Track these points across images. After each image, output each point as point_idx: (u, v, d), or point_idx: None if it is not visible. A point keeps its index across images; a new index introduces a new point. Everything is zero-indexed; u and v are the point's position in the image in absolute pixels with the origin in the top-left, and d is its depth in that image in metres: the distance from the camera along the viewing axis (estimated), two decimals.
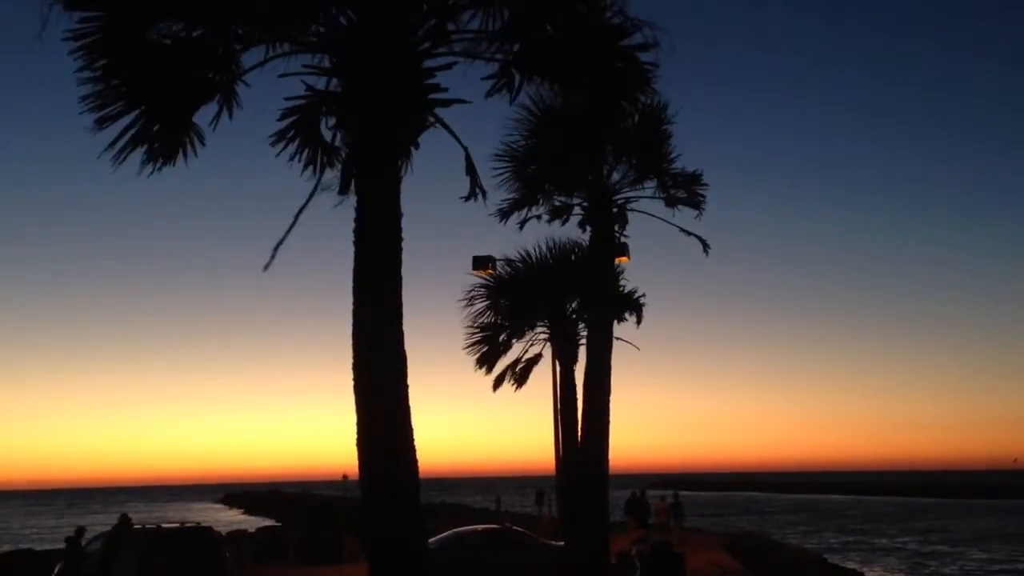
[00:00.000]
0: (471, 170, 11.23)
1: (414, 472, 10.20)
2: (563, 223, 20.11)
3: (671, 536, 29.68)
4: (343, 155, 11.19)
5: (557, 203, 19.97)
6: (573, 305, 25.86)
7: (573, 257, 25.13)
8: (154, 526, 22.63)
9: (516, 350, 27.18)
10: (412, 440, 10.24)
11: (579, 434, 20.11)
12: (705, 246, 20.12)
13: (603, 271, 20.13)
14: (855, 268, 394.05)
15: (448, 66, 10.93)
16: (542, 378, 28.13)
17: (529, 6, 11.03)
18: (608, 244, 19.85)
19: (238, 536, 38.66)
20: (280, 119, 10.98)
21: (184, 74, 10.79)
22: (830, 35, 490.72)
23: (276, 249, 10.85)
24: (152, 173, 11.29)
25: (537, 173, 19.24)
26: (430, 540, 19.69)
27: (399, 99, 10.52)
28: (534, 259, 25.69)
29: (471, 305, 26.46)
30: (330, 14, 10.87)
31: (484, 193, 11.43)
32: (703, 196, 19.95)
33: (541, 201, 19.88)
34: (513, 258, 25.90)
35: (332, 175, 11.09)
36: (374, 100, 10.47)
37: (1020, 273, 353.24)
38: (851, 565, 38.55)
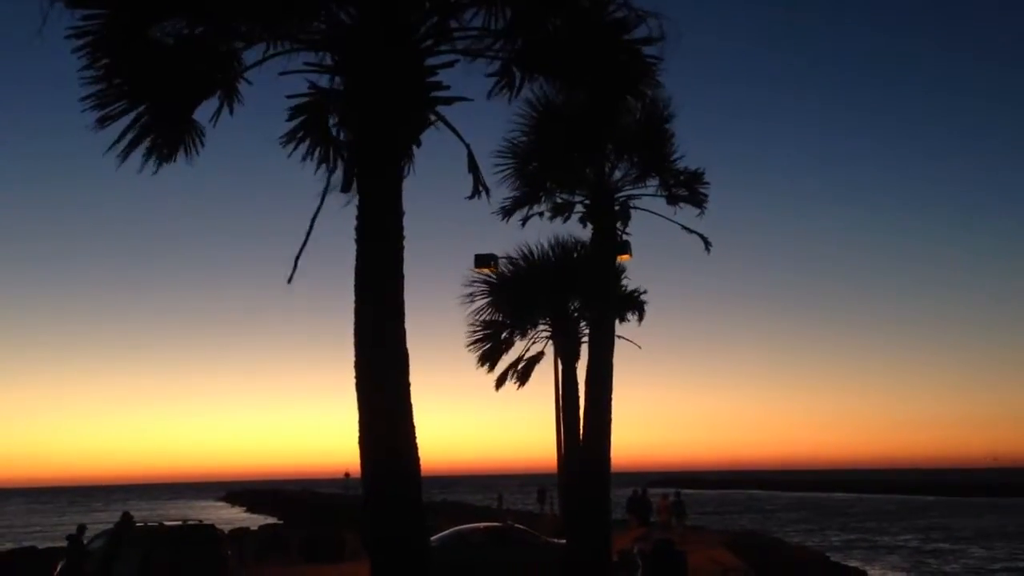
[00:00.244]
0: (474, 168, 11.23)
1: (416, 470, 10.20)
2: (564, 221, 20.10)
3: (673, 534, 29.66)
4: (338, 155, 11.20)
5: (559, 201, 19.94)
6: (575, 303, 25.87)
7: (575, 255, 25.14)
8: (156, 524, 22.64)
9: (518, 348, 27.25)
10: (414, 438, 10.24)
11: (581, 432, 20.10)
12: (707, 244, 20.10)
13: (605, 269, 20.11)
14: (856, 266, 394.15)
15: (450, 64, 10.92)
16: (544, 376, 28.17)
17: (531, 3, 11.01)
18: (610, 242, 19.83)
19: (240, 534, 38.66)
20: (289, 119, 10.98)
21: (186, 71, 10.79)
22: (830, 35, 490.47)
23: (297, 260, 10.86)
24: (154, 171, 11.31)
25: (539, 171, 19.22)
26: (432, 538, 19.70)
27: (401, 97, 10.51)
28: (536, 257, 25.71)
29: (473, 303, 26.51)
30: (331, 12, 10.85)
31: (487, 191, 11.44)
32: (705, 194, 19.92)
33: (543, 199, 19.85)
34: (515, 256, 25.94)
35: (340, 175, 11.09)
36: (375, 98, 10.46)
37: (1020, 271, 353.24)
38: (853, 563, 38.48)
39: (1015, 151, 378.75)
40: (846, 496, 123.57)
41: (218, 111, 11.20)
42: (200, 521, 22.96)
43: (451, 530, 25.85)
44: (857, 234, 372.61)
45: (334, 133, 11.24)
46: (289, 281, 10.85)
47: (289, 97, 10.89)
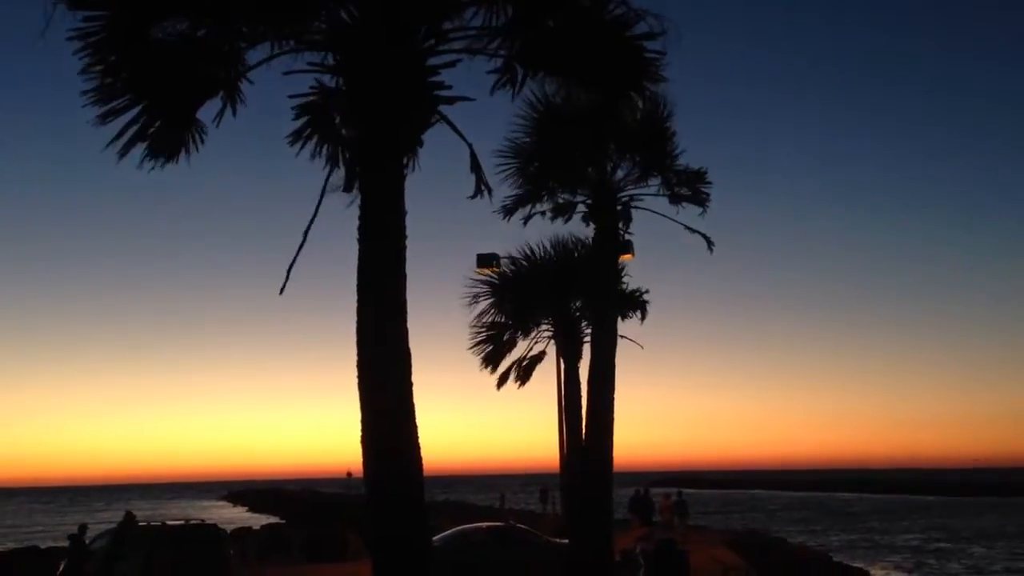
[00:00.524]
0: (476, 167, 11.23)
1: (418, 469, 10.20)
2: (566, 220, 20.09)
3: (675, 534, 29.67)
4: (346, 153, 11.21)
5: (561, 200, 19.93)
6: (577, 303, 25.88)
7: (577, 254, 25.16)
8: (158, 523, 22.67)
9: (520, 348, 27.27)
10: (416, 437, 10.24)
11: (583, 432, 20.10)
12: (709, 243, 20.08)
13: (607, 269, 20.10)
14: (856, 266, 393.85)
15: (451, 63, 10.92)
16: (546, 376, 28.19)
17: (531, 1, 11.02)
18: (612, 242, 19.82)
19: (242, 533, 38.69)
20: (295, 118, 10.98)
21: (188, 71, 10.80)
22: (830, 34, 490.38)
23: (289, 271, 10.86)
24: (153, 169, 11.31)
25: (541, 170, 19.21)
26: (434, 538, 19.71)
27: (402, 97, 10.52)
28: (538, 257, 25.73)
29: (475, 303, 26.53)
30: (332, 11, 10.86)
31: (489, 190, 11.43)
32: (707, 193, 19.90)
33: (545, 198, 19.85)
34: (517, 256, 25.95)
35: (338, 176, 11.10)
36: (377, 98, 10.47)
37: (1021, 271, 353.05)
38: (855, 563, 38.47)
39: (1015, 151, 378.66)
40: (847, 496, 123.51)
41: (221, 111, 11.22)
42: (202, 521, 23.00)
43: (453, 530, 25.87)
44: (858, 234, 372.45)
45: (340, 131, 11.25)
46: (281, 292, 10.84)
47: (292, 97, 10.90)
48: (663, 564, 18.44)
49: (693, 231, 20.00)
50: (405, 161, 10.80)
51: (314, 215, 10.89)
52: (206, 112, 11.28)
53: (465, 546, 23.85)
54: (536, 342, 27.26)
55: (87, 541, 22.79)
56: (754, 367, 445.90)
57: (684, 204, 19.90)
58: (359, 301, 10.33)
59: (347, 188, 10.72)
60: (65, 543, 24.50)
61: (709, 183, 19.88)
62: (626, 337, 22.36)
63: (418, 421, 10.29)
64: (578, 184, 19.80)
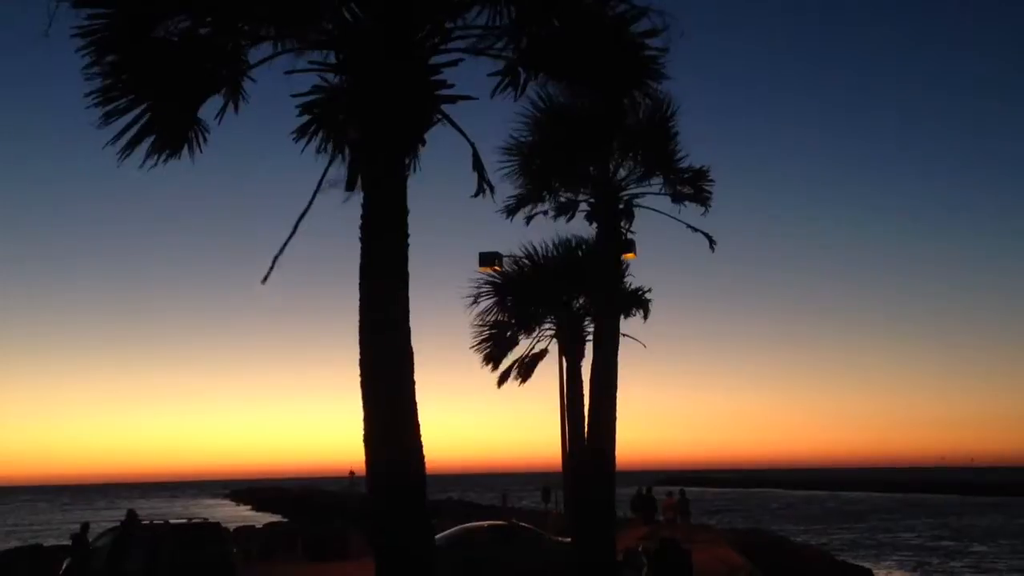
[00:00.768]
0: (478, 166, 11.22)
1: (421, 468, 10.19)
2: (569, 219, 20.08)
3: (678, 532, 29.65)
4: (348, 152, 11.21)
5: (563, 199, 19.93)
6: (580, 301, 25.87)
7: (580, 253, 25.14)
8: (161, 522, 22.67)
9: (522, 347, 27.26)
10: (419, 436, 10.23)
11: (585, 431, 20.09)
12: (711, 242, 20.07)
13: (609, 267, 20.09)
14: (860, 264, 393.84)
15: (454, 63, 10.92)
16: (549, 375, 28.20)
17: (534, 1, 11.01)
18: (614, 240, 19.81)
19: (245, 532, 38.67)
20: (300, 114, 10.97)
21: (191, 69, 10.80)
22: (830, 34, 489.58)
23: (275, 261, 10.83)
24: (154, 165, 11.28)
25: (543, 169, 19.20)
26: (436, 536, 19.71)
27: (405, 95, 10.51)
28: (541, 255, 25.71)
29: (477, 302, 26.52)
30: (336, 11, 10.85)
31: (492, 189, 11.42)
32: (710, 192, 19.88)
33: (547, 197, 19.84)
34: (520, 254, 25.94)
35: (336, 173, 11.09)
36: (380, 96, 10.46)
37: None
38: (860, 562, 38.44)
39: (1015, 151, 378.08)
40: (851, 494, 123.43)
41: (223, 109, 11.22)
42: (205, 519, 22.99)
43: (456, 528, 25.86)
44: (860, 232, 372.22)
45: (343, 130, 11.26)
46: (264, 281, 10.80)
47: (294, 96, 10.90)
48: (666, 563, 18.40)
49: (695, 230, 20.00)
50: (407, 160, 10.79)
51: (307, 207, 10.87)
52: (208, 110, 11.29)
53: (468, 545, 23.85)
54: (538, 340, 27.26)
55: (90, 539, 22.86)
56: (757, 365, 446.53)
57: (686, 203, 19.90)
58: (361, 299, 10.33)
59: (349, 187, 10.71)
60: (68, 542, 24.57)
61: (712, 181, 19.88)
62: (628, 336, 22.34)
63: (421, 420, 10.29)
64: (580, 183, 19.79)
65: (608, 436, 19.03)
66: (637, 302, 25.37)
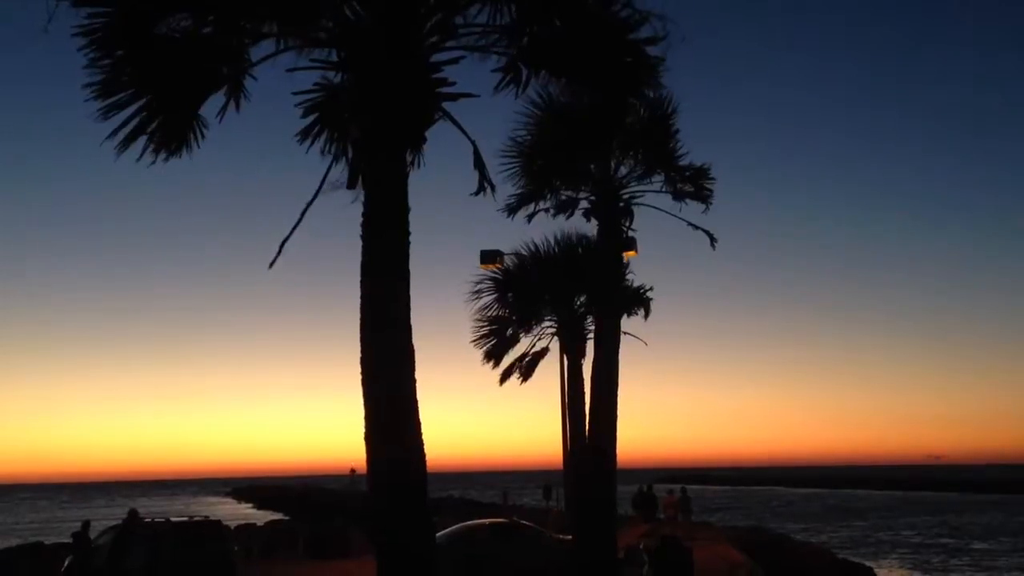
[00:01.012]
0: (479, 164, 11.22)
1: (422, 466, 10.20)
2: (569, 217, 20.05)
3: (679, 530, 29.66)
4: (350, 149, 11.22)
5: (564, 197, 19.90)
6: (581, 299, 25.88)
7: (581, 251, 25.15)
8: (163, 519, 22.69)
9: (524, 344, 27.29)
10: (420, 434, 10.24)
11: (587, 428, 20.09)
12: (712, 240, 20.06)
13: (610, 266, 20.07)
14: (862, 262, 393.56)
15: (455, 60, 10.92)
16: (550, 373, 28.24)
17: (535, 1, 11.01)
18: (615, 238, 19.79)
19: (247, 530, 38.70)
20: (304, 115, 10.98)
21: (192, 67, 10.80)
22: (830, 33, 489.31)
23: (282, 246, 10.91)
24: (154, 162, 11.30)
25: (544, 168, 19.19)
26: (437, 534, 19.71)
27: (407, 93, 10.52)
28: (542, 253, 25.72)
29: (479, 299, 26.54)
30: (337, 9, 10.85)
31: (493, 187, 11.42)
32: (710, 190, 19.86)
33: (548, 195, 19.82)
34: (521, 252, 25.95)
35: (339, 172, 11.10)
36: (382, 94, 10.46)
37: None
38: (860, 560, 38.44)
39: (1015, 149, 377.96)
40: (853, 492, 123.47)
41: (224, 106, 11.22)
42: (206, 517, 23.01)
43: (457, 526, 25.86)
44: (862, 231, 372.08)
45: (345, 127, 11.27)
46: (271, 266, 10.87)
47: (296, 94, 10.91)
48: (666, 561, 18.39)
49: (696, 228, 19.98)
50: (409, 157, 10.79)
51: (313, 198, 10.90)
52: (210, 109, 11.29)
53: (468, 542, 23.84)
54: (539, 338, 27.30)
55: (91, 537, 22.86)
56: (758, 363, 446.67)
57: (687, 201, 19.88)
58: (362, 297, 10.34)
59: (350, 185, 10.72)
60: (69, 540, 24.57)
61: (712, 179, 19.86)
62: (629, 334, 22.36)
63: (422, 418, 10.30)
64: (581, 181, 19.77)
65: (609, 434, 19.02)
66: (638, 300, 25.38)
